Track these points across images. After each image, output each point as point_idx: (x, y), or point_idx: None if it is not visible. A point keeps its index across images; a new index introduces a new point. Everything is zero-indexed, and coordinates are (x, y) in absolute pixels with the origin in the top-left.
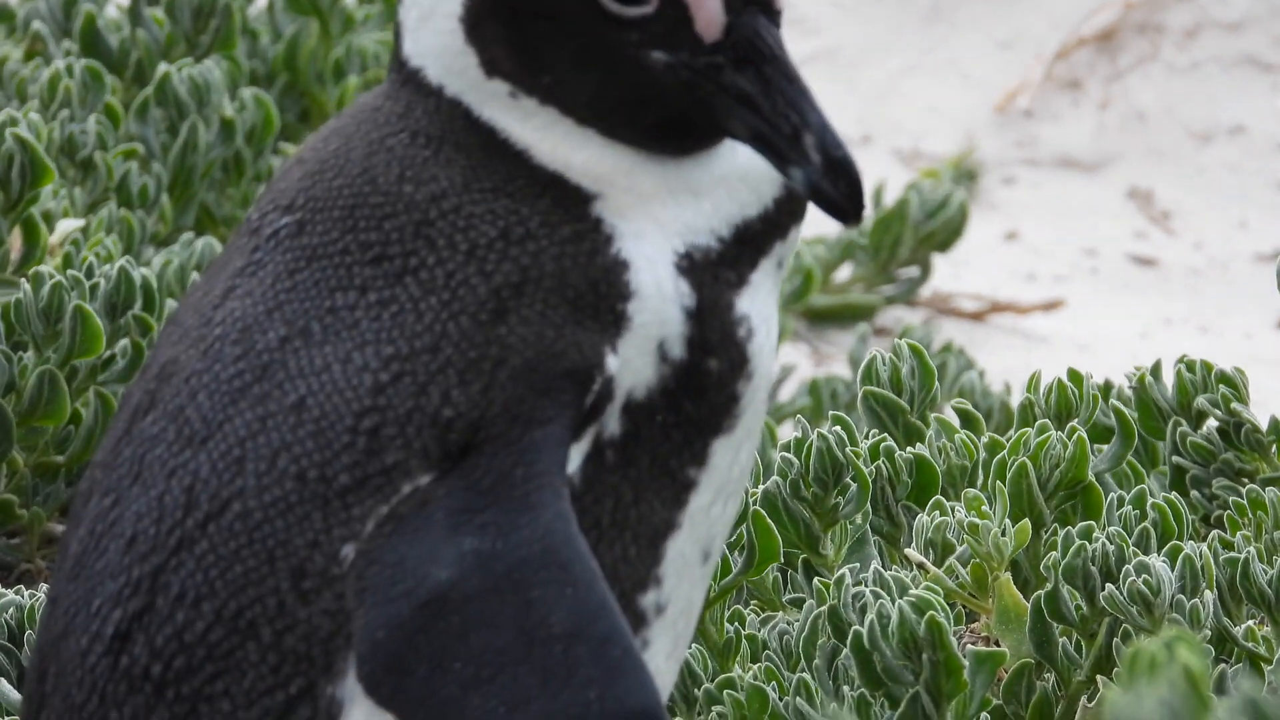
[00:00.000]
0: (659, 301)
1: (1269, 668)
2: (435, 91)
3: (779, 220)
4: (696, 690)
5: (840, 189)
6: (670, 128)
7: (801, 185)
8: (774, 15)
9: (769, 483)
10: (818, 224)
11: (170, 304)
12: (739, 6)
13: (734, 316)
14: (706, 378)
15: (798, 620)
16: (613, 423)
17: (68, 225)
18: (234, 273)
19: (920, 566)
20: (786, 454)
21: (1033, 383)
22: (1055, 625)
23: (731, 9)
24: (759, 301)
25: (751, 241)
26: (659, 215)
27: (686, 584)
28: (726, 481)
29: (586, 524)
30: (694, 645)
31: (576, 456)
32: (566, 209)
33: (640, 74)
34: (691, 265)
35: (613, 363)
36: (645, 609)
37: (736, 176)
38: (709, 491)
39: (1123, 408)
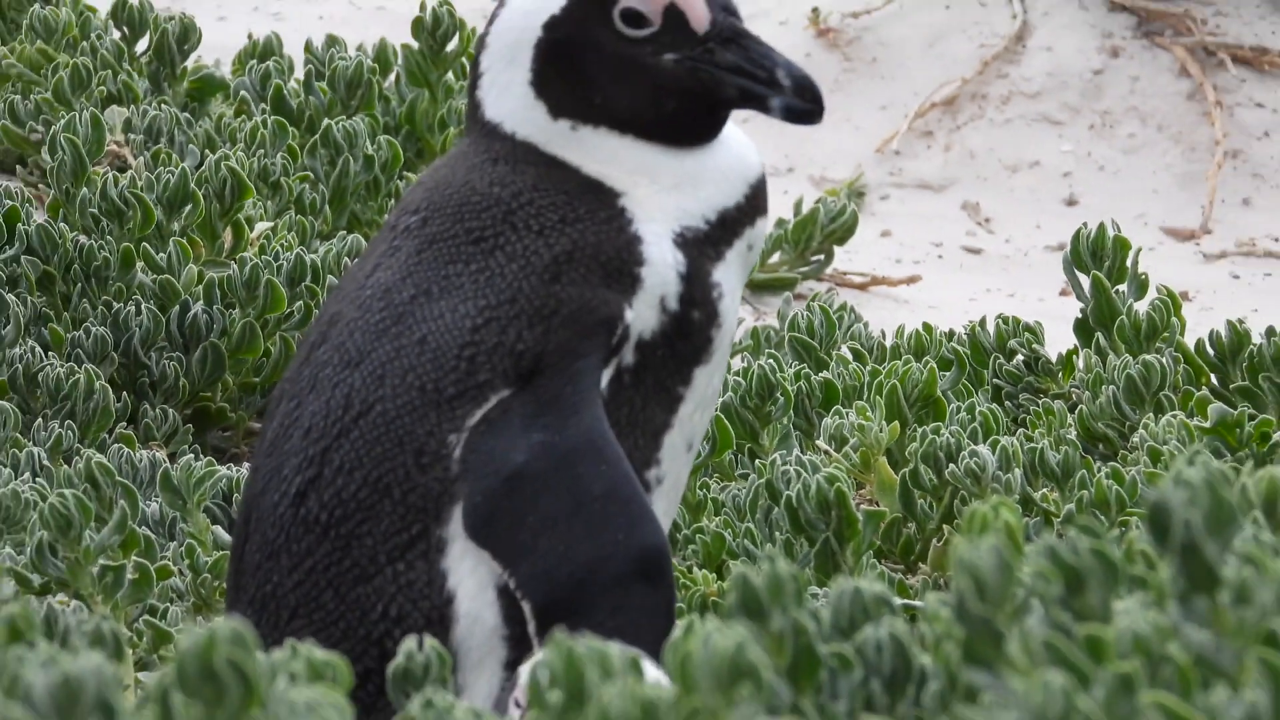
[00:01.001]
0: (663, 268)
1: (1057, 521)
2: (510, 136)
3: (749, 212)
4: (678, 535)
5: (807, 99)
6: (680, 118)
7: (780, 110)
8: (737, 15)
9: (726, 396)
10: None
11: (331, 279)
12: (716, 7)
13: (711, 281)
14: (691, 324)
15: (745, 488)
16: (628, 355)
17: (262, 226)
18: (379, 255)
19: (826, 453)
20: (737, 377)
21: (900, 331)
22: (916, 492)
23: (711, 9)
24: (729, 273)
25: (729, 226)
26: (665, 204)
27: (676, 465)
28: (704, 397)
29: (610, 424)
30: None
31: (605, 378)
32: (602, 202)
33: (658, 74)
34: (685, 241)
35: (629, 314)
36: (649, 481)
37: (721, 171)
38: (692, 403)
39: (959, 348)
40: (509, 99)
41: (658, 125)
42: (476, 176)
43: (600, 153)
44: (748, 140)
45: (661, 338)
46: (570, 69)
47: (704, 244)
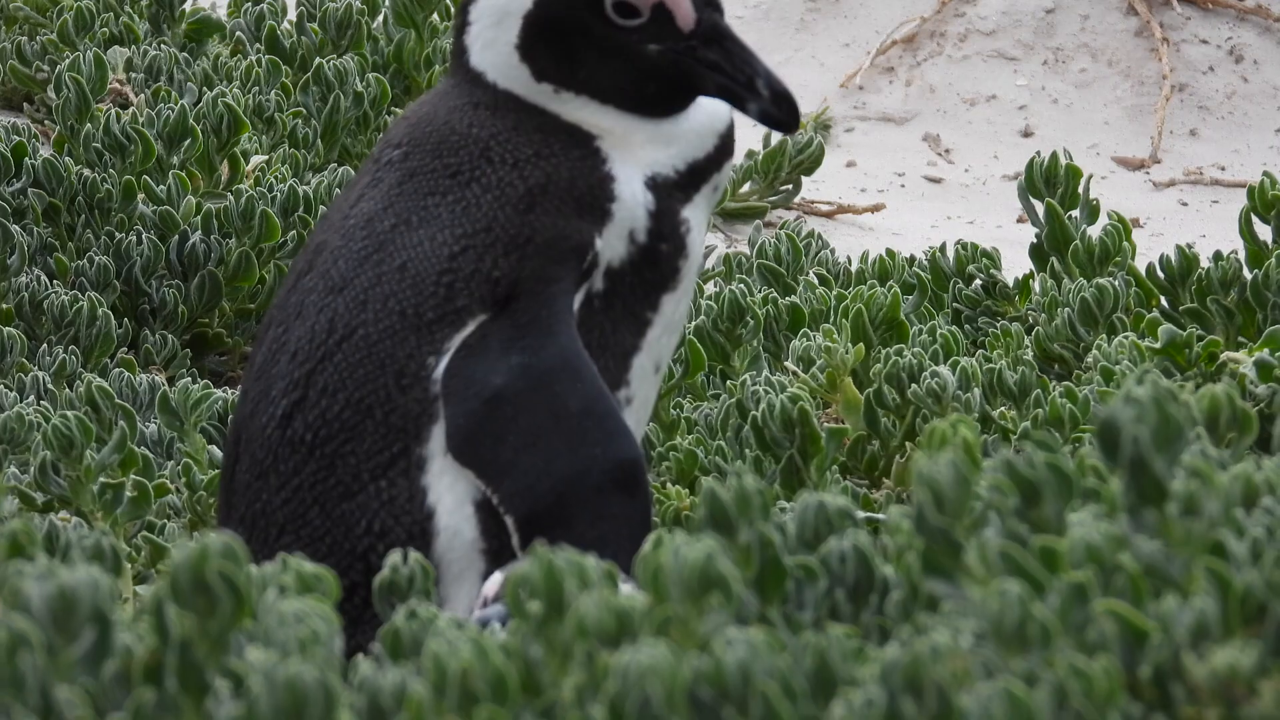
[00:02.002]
0: (632, 204)
1: (1014, 438)
2: (492, 85)
3: (717, 159)
4: (652, 453)
5: (783, 111)
6: (660, 97)
7: (757, 114)
8: (721, 10)
9: (699, 320)
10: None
11: (323, 209)
12: (701, 6)
13: (679, 219)
14: (659, 255)
15: (716, 408)
16: (598, 281)
17: (257, 159)
18: (363, 186)
19: (794, 374)
20: (709, 301)
21: (864, 257)
22: (879, 410)
23: (697, 8)
24: (697, 211)
25: (698, 173)
26: (639, 155)
27: (645, 386)
28: (671, 322)
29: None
30: (651, 424)
31: (577, 303)
32: (578, 142)
33: (642, 60)
34: (655, 185)
35: (599, 243)
36: (619, 401)
37: (695, 131)
38: (659, 327)
39: (921, 273)
40: (493, 54)
41: (638, 102)
42: (457, 118)
43: (581, 112)
44: None
45: (630, 266)
46: (557, 43)
47: (673, 188)
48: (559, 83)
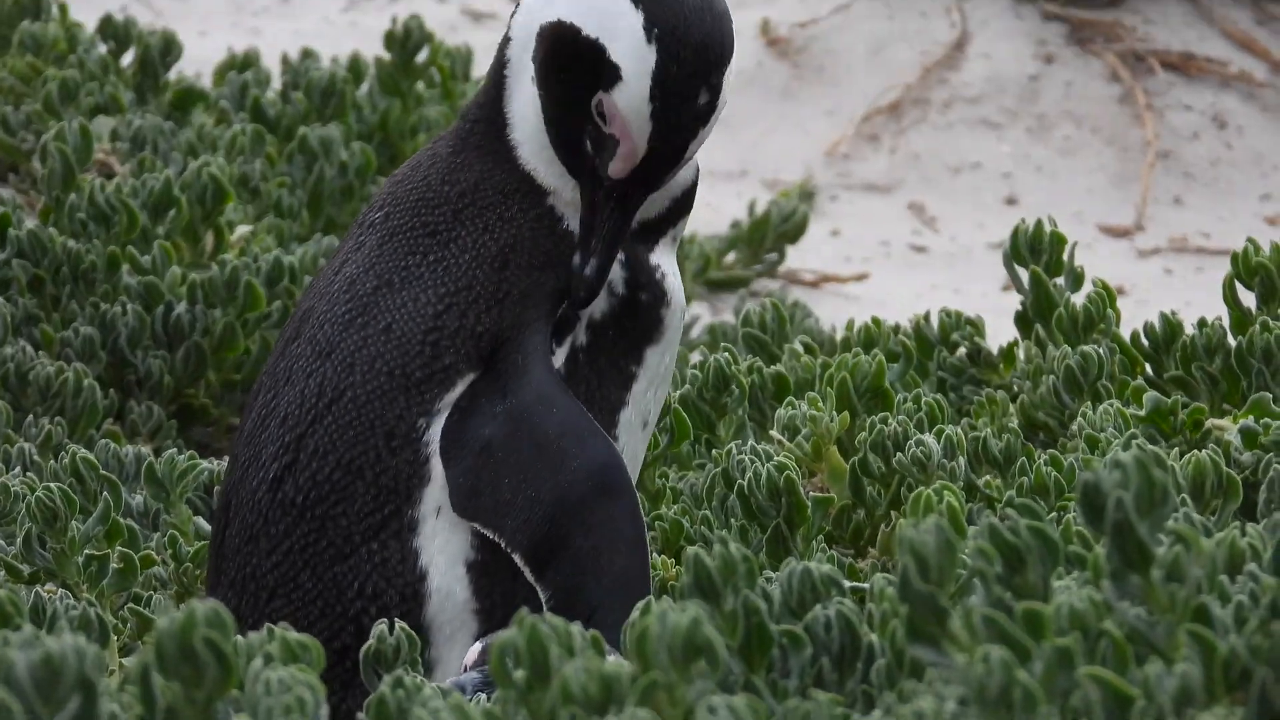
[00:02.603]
0: None
1: (999, 506)
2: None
3: (674, 215)
4: None
5: (586, 283)
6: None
7: (575, 266)
8: (653, 183)
9: (684, 389)
10: (716, 227)
11: (308, 279)
12: (632, 181)
13: (651, 265)
14: (639, 305)
15: (702, 477)
16: (581, 335)
17: (242, 229)
18: (347, 251)
19: (779, 442)
20: (695, 370)
21: (849, 326)
22: (865, 479)
23: (628, 169)
24: (665, 258)
25: (658, 227)
26: None
27: (633, 441)
28: (656, 374)
29: None
30: (637, 493)
31: (560, 357)
32: (532, 202)
33: (582, 153)
34: None
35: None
36: None
37: (651, 199)
38: (644, 380)
39: (906, 341)
40: (526, 134)
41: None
42: (435, 173)
43: (553, 170)
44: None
45: (611, 319)
46: (549, 98)
47: (636, 242)
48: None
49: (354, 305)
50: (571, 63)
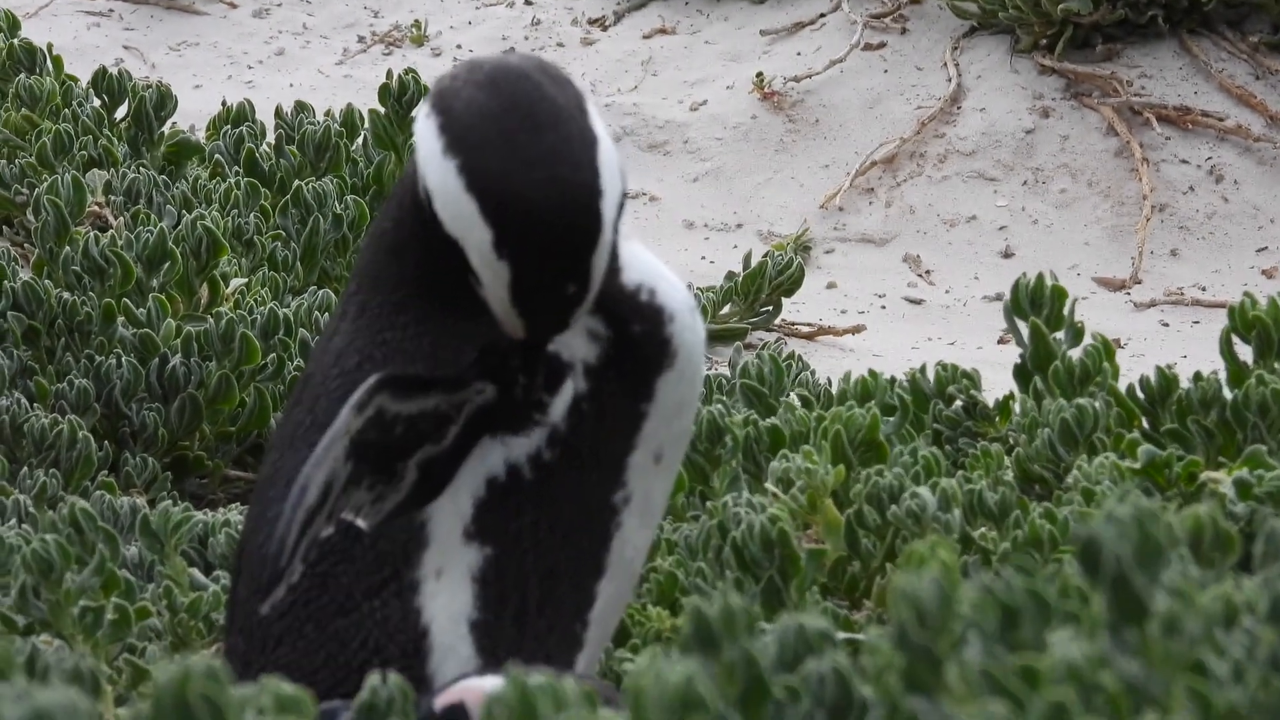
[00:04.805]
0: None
1: (994, 559)
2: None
3: (620, 205)
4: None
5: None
6: None
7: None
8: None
9: None
10: (711, 279)
11: (302, 331)
12: (521, 346)
13: (629, 291)
14: (634, 336)
15: (696, 528)
16: (580, 382)
17: (237, 282)
18: (336, 317)
19: (774, 495)
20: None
21: (845, 378)
22: (860, 531)
23: (513, 346)
24: (641, 271)
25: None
26: None
27: (644, 480)
28: (667, 408)
29: (572, 455)
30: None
31: (563, 408)
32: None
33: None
34: None
35: (554, 349)
36: (616, 503)
37: None
38: (655, 419)
39: (901, 393)
40: (449, 214)
41: None
42: (384, 248)
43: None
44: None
45: (609, 360)
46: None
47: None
48: None
49: (343, 382)
50: (445, 243)
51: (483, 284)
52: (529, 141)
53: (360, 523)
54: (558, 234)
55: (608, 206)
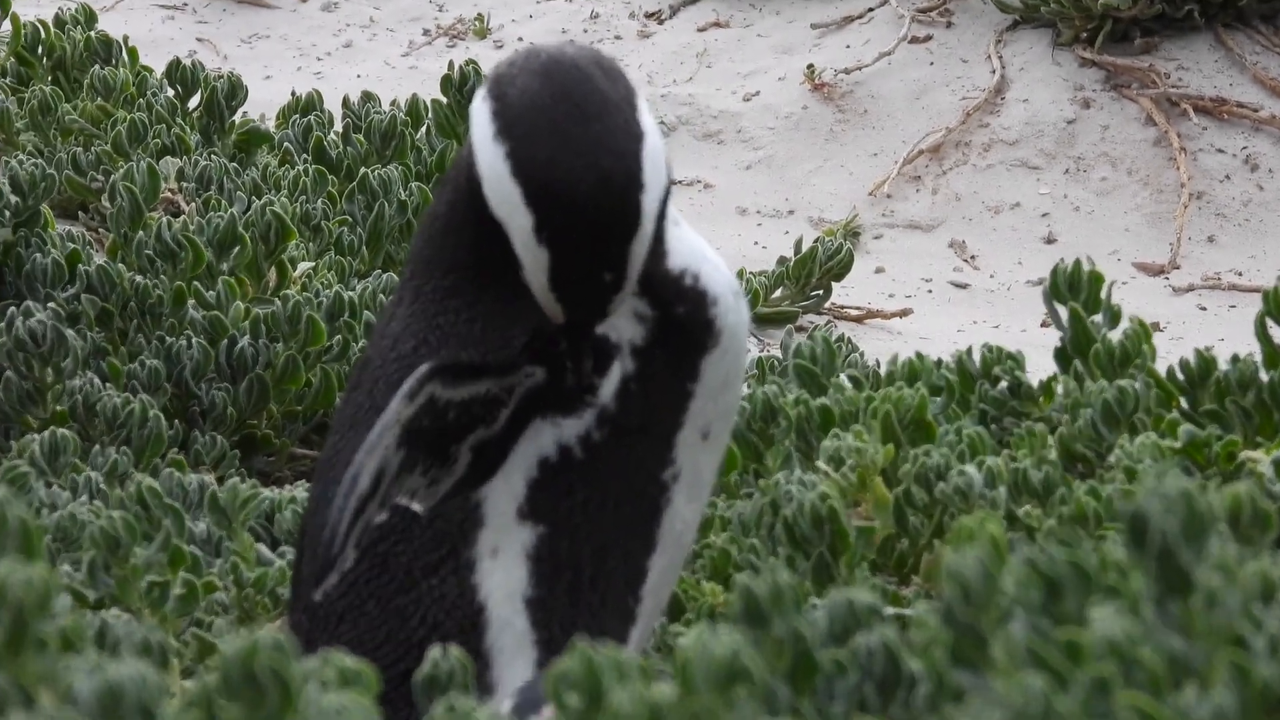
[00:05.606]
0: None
1: (1039, 535)
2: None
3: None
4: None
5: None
6: None
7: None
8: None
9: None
10: (763, 264)
11: (367, 314)
12: (564, 331)
13: (673, 276)
14: (679, 318)
15: (749, 506)
16: (628, 363)
17: (304, 266)
18: (393, 303)
19: (825, 473)
20: (743, 403)
21: (893, 360)
22: (908, 509)
23: (559, 330)
24: (686, 256)
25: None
26: None
27: (692, 456)
28: (712, 386)
29: (620, 433)
30: None
31: (612, 388)
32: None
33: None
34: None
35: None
36: (666, 480)
37: None
38: (702, 398)
39: (948, 375)
40: (498, 198)
41: None
42: (437, 232)
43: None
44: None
45: (655, 340)
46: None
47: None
48: None
49: (399, 365)
50: (494, 226)
51: (525, 269)
52: (576, 132)
53: (415, 506)
54: (596, 223)
55: (649, 199)
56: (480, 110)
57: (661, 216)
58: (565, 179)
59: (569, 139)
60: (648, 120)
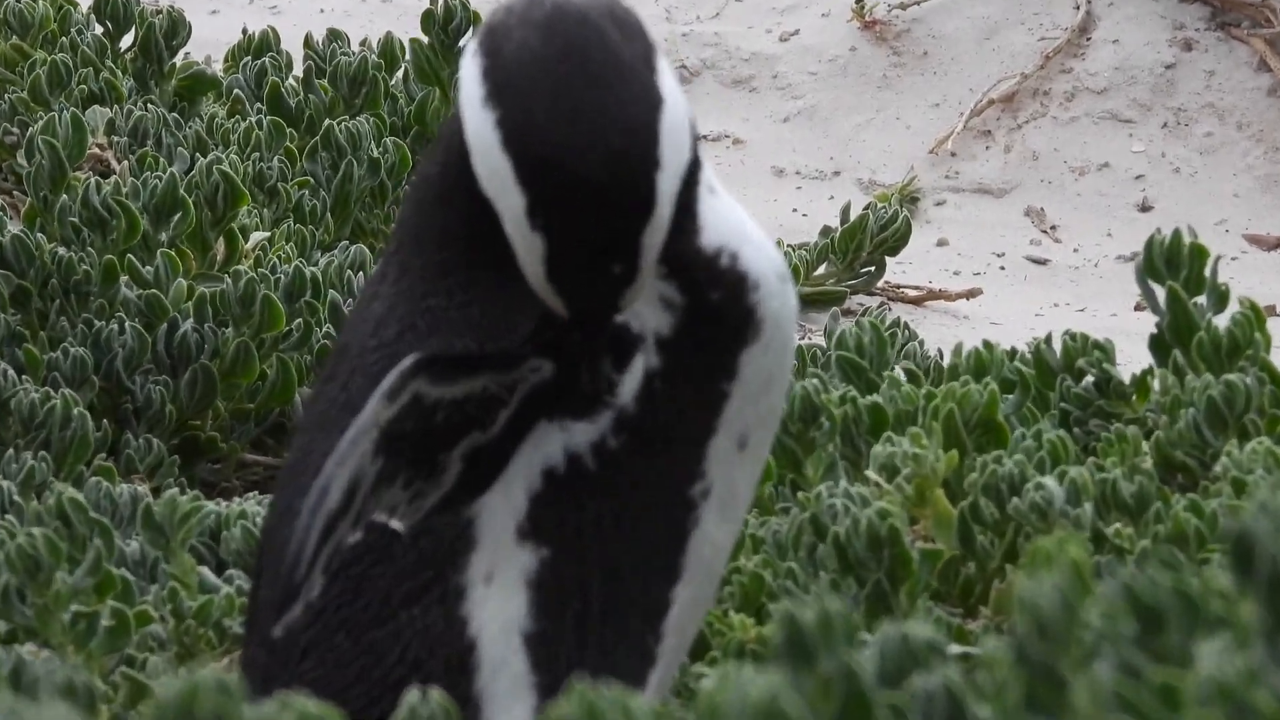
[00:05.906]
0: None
1: (1131, 558)
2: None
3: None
4: None
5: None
6: None
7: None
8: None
9: None
10: (803, 234)
11: (333, 294)
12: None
13: (707, 254)
14: (713, 305)
15: (786, 523)
16: (652, 358)
17: (258, 236)
18: (375, 280)
19: (876, 485)
20: None
21: (958, 350)
22: (975, 528)
23: (564, 320)
24: (724, 232)
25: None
26: None
27: (725, 468)
28: (753, 385)
29: (643, 441)
30: None
31: (634, 387)
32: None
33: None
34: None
35: (622, 318)
36: (694, 496)
37: None
38: (739, 398)
39: (1023, 368)
40: (491, 179)
41: None
42: (428, 200)
43: None
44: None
45: (682, 332)
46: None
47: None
48: None
49: (381, 355)
50: (483, 203)
51: (518, 255)
52: (580, 98)
53: (395, 524)
54: (600, 207)
55: (665, 179)
56: (470, 67)
57: (692, 184)
58: (563, 154)
59: (571, 106)
60: (668, 84)
